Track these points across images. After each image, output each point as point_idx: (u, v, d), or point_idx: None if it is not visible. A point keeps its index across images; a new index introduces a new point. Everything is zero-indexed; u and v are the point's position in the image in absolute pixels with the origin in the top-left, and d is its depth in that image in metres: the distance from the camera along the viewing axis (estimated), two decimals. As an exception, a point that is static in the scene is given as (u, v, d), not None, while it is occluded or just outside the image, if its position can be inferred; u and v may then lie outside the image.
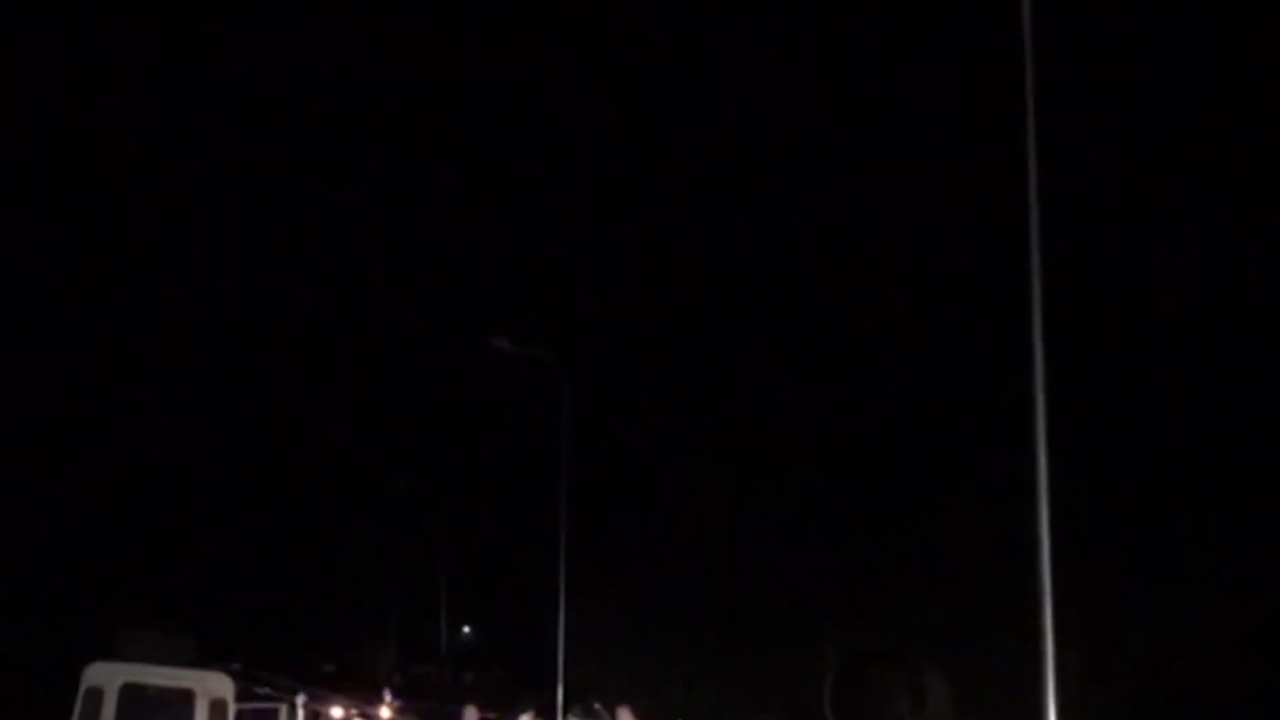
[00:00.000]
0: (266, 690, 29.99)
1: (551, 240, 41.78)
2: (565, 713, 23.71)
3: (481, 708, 21.15)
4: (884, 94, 26.91)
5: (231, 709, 21.04)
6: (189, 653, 21.91)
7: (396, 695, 58.29)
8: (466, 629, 61.04)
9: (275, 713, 23.72)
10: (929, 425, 25.19)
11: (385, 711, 56.64)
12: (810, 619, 25.74)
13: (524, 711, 19.81)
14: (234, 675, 22.09)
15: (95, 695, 20.26)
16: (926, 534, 24.10)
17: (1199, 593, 19.41)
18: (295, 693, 23.85)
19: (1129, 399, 21.88)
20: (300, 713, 45.91)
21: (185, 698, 20.54)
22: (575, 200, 39.42)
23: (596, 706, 19.68)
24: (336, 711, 60.65)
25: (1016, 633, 14.62)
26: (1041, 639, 13.41)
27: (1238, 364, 20.74)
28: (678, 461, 31.94)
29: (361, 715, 58.42)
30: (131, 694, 20.37)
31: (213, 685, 20.93)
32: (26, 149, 35.02)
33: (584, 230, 39.36)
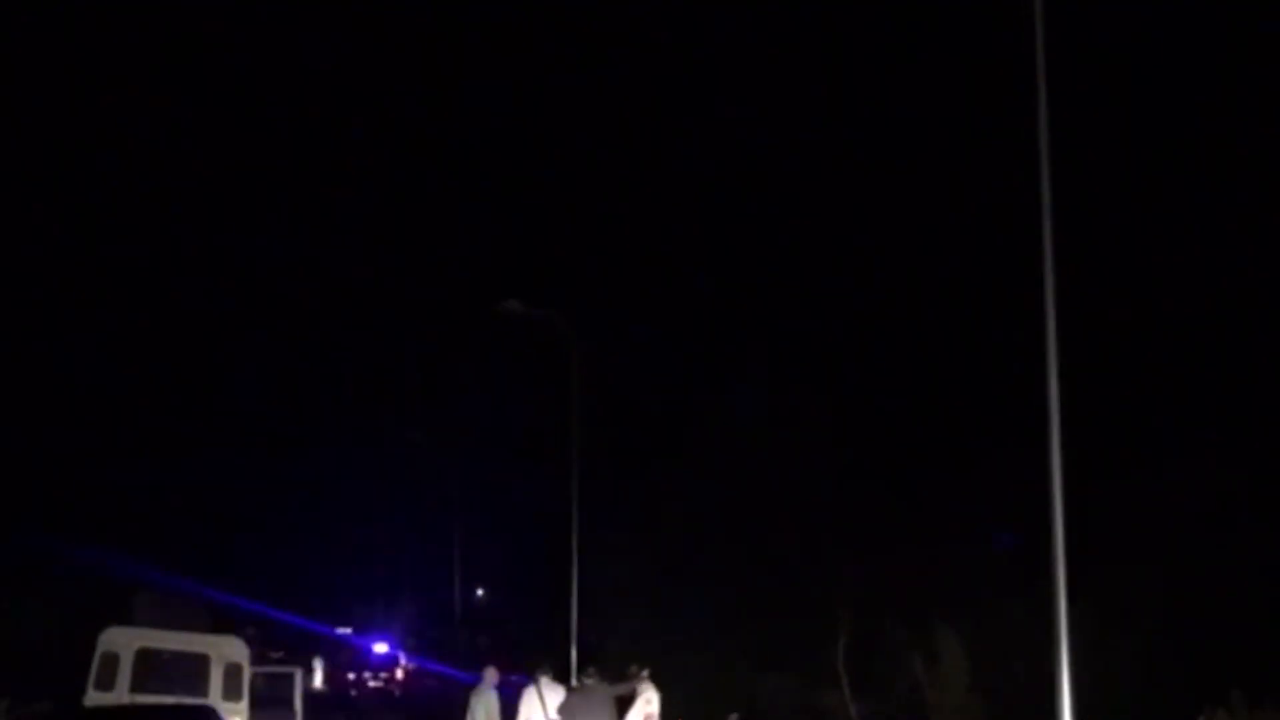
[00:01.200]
0: (281, 654, 30.20)
1: (559, 203, 41.86)
2: (580, 673, 23.73)
3: (500, 669, 21.13)
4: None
5: (246, 673, 21.15)
6: (203, 619, 22.03)
7: (410, 657, 58.83)
8: (480, 591, 61.25)
9: (290, 676, 23.90)
10: (943, 383, 25.16)
11: (399, 674, 57.21)
12: (823, 579, 25.73)
13: (542, 673, 19.73)
14: (248, 640, 22.20)
15: (111, 660, 20.37)
16: (940, 494, 24.09)
17: (1213, 548, 19.36)
18: (311, 656, 23.98)
19: (1144, 357, 21.83)
20: (317, 675, 46.12)
21: (200, 662, 20.64)
22: (583, 164, 39.43)
23: (632, 669, 19.64)
24: (351, 674, 60.95)
25: (1029, 591, 14.63)
26: (1054, 598, 13.42)
27: (1253, 319, 20.65)
28: (689, 420, 31.93)
29: (375, 677, 58.80)
30: (147, 658, 20.48)
31: (227, 650, 21.04)
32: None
33: (591, 193, 39.43)
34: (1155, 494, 20.35)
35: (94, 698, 19.83)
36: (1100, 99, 21.16)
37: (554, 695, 19.26)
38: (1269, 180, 20.54)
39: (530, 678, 19.69)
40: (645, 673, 19.53)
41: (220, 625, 22.44)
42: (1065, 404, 13.70)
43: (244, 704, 20.80)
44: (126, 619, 21.21)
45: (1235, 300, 21.08)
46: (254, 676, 21.70)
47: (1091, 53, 20.42)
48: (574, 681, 24.41)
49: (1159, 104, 21.87)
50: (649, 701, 19.03)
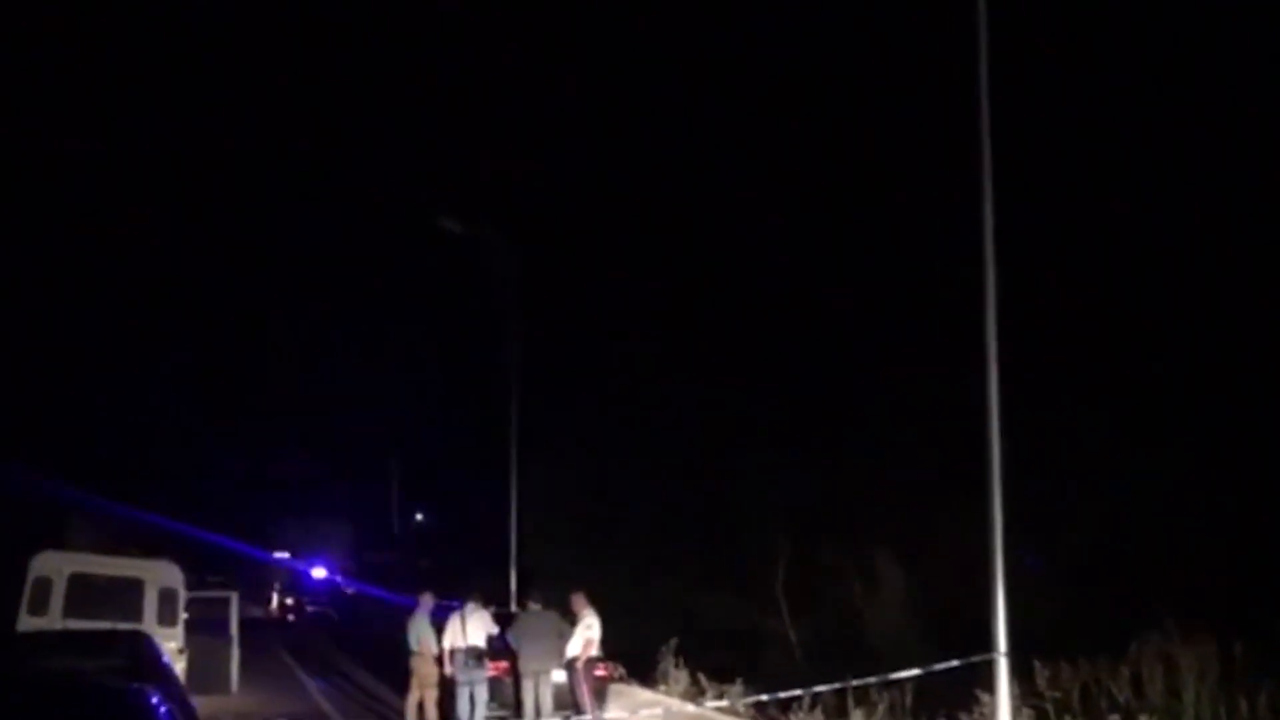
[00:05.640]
0: (220, 579, 30.01)
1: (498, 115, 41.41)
2: (522, 599, 23.81)
3: (437, 594, 21.18)
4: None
5: (182, 597, 21.00)
6: (134, 542, 21.83)
7: (348, 581, 58.77)
8: (420, 516, 61.24)
9: (226, 601, 23.75)
10: (880, 309, 25.14)
11: (337, 599, 57.09)
12: (762, 504, 25.86)
13: (472, 599, 19.82)
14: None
15: (44, 584, 20.15)
16: (879, 419, 24.16)
17: (1145, 475, 19.56)
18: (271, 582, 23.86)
19: (1086, 287, 21.92)
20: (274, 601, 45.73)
21: (135, 586, 20.46)
22: (521, 77, 38.98)
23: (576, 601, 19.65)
24: (289, 599, 60.87)
25: (967, 519, 14.71)
26: (989, 520, 13.52)
27: (1189, 251, 20.77)
28: (628, 344, 31.86)
29: (314, 602, 58.70)
30: (80, 583, 20.26)
31: (163, 574, 20.87)
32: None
33: (535, 108, 39.02)
34: (1088, 418, 20.51)
35: (27, 622, 19.62)
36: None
37: (477, 622, 19.39)
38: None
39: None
40: (585, 597, 19.58)
41: (154, 550, 22.26)
42: (1002, 324, 13.75)
43: (179, 629, 20.67)
44: (59, 543, 20.98)
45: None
46: (190, 602, 21.53)
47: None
48: (514, 607, 24.56)
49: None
50: (589, 627, 19.10)
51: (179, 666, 18.79)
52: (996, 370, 13.73)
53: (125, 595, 20.20)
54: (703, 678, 21.81)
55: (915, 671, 16.83)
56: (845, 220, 26.18)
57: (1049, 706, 15.95)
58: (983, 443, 13.71)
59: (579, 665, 18.95)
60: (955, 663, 15.43)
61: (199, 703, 14.12)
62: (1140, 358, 20.63)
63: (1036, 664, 15.93)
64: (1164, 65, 20.87)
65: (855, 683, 18.09)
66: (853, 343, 25.66)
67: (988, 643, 13.54)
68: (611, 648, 20.48)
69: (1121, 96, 21.48)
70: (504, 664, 19.52)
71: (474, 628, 19.33)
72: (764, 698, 18.98)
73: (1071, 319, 21.70)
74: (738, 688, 21.00)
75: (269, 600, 59.87)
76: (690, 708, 20.64)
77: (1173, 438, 19.55)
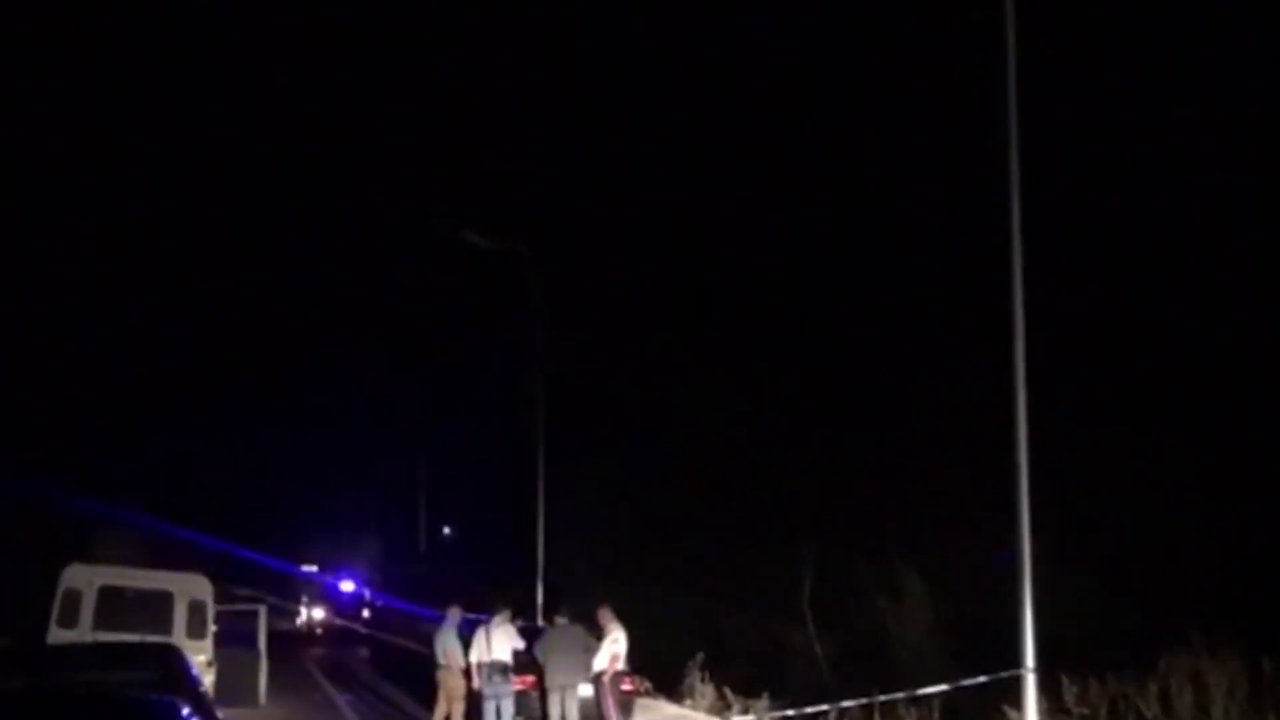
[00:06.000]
0: (248, 592, 30.14)
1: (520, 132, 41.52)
2: (549, 614, 23.84)
3: (466, 608, 21.25)
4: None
5: (211, 610, 21.06)
6: (154, 555, 21.92)
7: (376, 595, 58.84)
8: (447, 529, 61.26)
9: (254, 615, 23.85)
10: (907, 319, 25.12)
11: (365, 613, 57.24)
12: (788, 519, 25.83)
13: (499, 613, 19.86)
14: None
15: (74, 597, 20.22)
16: (904, 434, 24.14)
17: (1172, 482, 19.47)
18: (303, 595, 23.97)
19: (1111, 293, 21.85)
20: (317, 612, 45.81)
21: (164, 599, 20.53)
22: (546, 95, 39.08)
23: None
24: (318, 613, 61.02)
25: (993, 533, 14.68)
26: (1017, 536, 13.49)
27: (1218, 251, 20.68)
28: (654, 356, 31.86)
29: (341, 616, 58.78)
30: (110, 596, 20.33)
31: (192, 587, 20.92)
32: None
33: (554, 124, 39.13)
34: (1115, 431, 20.44)
35: (57, 635, 19.69)
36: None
37: (502, 635, 19.43)
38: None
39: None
40: (611, 611, 19.60)
41: (183, 563, 22.33)
42: (1029, 341, 13.73)
43: (208, 642, 20.73)
44: (88, 556, 21.08)
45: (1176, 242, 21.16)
46: (218, 615, 21.61)
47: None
48: (540, 620, 24.59)
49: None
50: (616, 641, 19.11)
51: (208, 679, 18.86)
52: (1024, 388, 13.71)
53: (155, 608, 20.26)
54: (729, 692, 21.81)
55: (943, 687, 16.81)
56: (874, 233, 26.18)
57: (1077, 722, 15.92)
58: (1009, 456, 13.69)
59: (606, 679, 18.97)
60: (983, 678, 15.39)
61: (227, 715, 14.19)
62: (1167, 370, 20.56)
63: (1064, 679, 15.88)
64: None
65: (882, 698, 18.08)
66: (878, 357, 25.65)
67: (1014, 658, 13.51)
68: (638, 662, 20.50)
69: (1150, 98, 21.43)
70: (531, 678, 19.54)
71: (499, 641, 19.36)
72: (790, 712, 18.97)
73: (1098, 329, 21.63)
74: (764, 702, 20.99)
75: (297, 613, 59.98)
76: (716, 722, 20.66)
77: (1200, 451, 19.46)
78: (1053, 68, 20.50)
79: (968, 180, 19.60)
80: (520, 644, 19.56)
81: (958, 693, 16.58)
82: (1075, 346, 20.80)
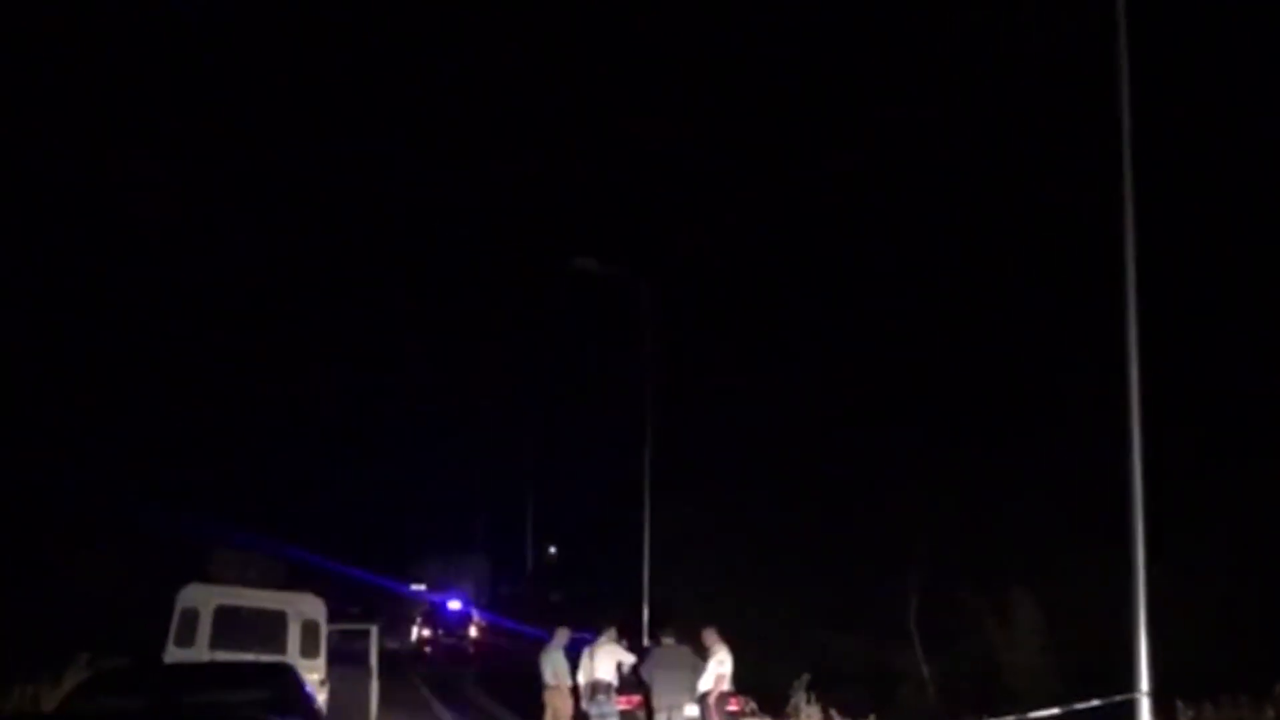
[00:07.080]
0: (358, 611, 30.44)
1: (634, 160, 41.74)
2: (655, 633, 23.85)
3: (573, 628, 21.36)
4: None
5: (323, 630, 21.30)
6: (279, 576, 22.19)
7: (483, 614, 59.25)
8: (553, 549, 61.57)
9: (366, 634, 24.09)
10: (1021, 344, 24.88)
11: (473, 631, 57.67)
12: (895, 539, 25.61)
13: (605, 633, 19.94)
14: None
15: (191, 616, 20.53)
16: (1014, 455, 23.86)
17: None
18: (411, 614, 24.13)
19: (1221, 316, 21.47)
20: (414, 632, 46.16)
21: (278, 619, 20.79)
22: (658, 121, 39.26)
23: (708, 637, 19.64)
24: (426, 632, 61.48)
25: (1106, 557, 14.47)
26: (1132, 559, 13.29)
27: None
28: (766, 380, 31.83)
29: (449, 635, 59.37)
30: (226, 615, 20.63)
31: (305, 607, 21.15)
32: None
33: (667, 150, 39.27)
34: (1230, 456, 20.05)
35: (174, 654, 20.01)
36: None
37: (606, 656, 19.48)
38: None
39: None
40: (716, 632, 19.58)
41: (295, 580, 22.61)
42: (1144, 369, 13.54)
43: (321, 661, 20.96)
44: (205, 576, 21.41)
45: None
46: (330, 635, 21.85)
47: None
48: (645, 641, 24.62)
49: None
50: (721, 663, 19.10)
51: (320, 698, 19.09)
52: (1139, 409, 13.51)
53: (269, 627, 20.52)
54: (835, 714, 21.64)
55: (1054, 711, 16.55)
56: (988, 262, 25.96)
57: (1192, 747, 15.61)
58: (1124, 480, 13.50)
59: (712, 700, 18.96)
60: (1096, 702, 15.15)
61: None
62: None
63: (1179, 704, 15.59)
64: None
65: (990, 721, 17.85)
66: (993, 381, 25.41)
67: (1127, 682, 13.30)
68: (743, 683, 20.43)
69: None
70: (637, 698, 19.59)
71: (603, 661, 19.42)
72: (898, 735, 18.81)
73: (1217, 355, 21.26)
74: (870, 723, 20.83)
75: (408, 632, 60.53)
76: (822, 743, 20.52)
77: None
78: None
79: (1084, 192, 19.34)
80: (629, 659, 19.63)
81: (1069, 716, 16.31)
82: (1193, 371, 20.46)
